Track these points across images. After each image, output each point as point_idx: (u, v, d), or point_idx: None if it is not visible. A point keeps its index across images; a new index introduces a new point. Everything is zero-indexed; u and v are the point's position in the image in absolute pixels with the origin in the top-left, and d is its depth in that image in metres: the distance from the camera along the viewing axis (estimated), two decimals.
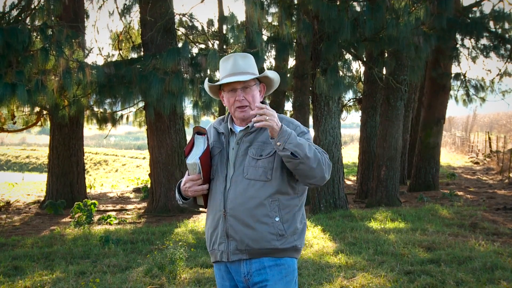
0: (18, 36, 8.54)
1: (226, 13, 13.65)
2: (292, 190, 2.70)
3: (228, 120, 2.82)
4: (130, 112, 14.01)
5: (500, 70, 16.16)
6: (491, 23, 13.92)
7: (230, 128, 2.78)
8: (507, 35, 14.01)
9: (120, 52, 14.34)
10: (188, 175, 2.71)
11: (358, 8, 11.12)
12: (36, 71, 9.07)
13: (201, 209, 11.68)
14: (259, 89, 2.78)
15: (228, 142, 2.76)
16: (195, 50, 12.50)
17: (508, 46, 14.08)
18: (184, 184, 2.71)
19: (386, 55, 11.94)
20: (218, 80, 2.79)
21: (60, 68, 9.01)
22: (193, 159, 2.67)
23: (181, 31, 13.67)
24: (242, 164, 2.68)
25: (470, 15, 14.24)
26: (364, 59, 13.11)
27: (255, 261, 2.66)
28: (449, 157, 28.83)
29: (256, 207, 2.63)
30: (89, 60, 15.33)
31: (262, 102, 2.79)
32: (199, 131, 2.75)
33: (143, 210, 11.74)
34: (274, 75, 2.80)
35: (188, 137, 11.92)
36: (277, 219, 2.64)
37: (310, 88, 12.01)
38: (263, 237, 2.63)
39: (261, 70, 8.12)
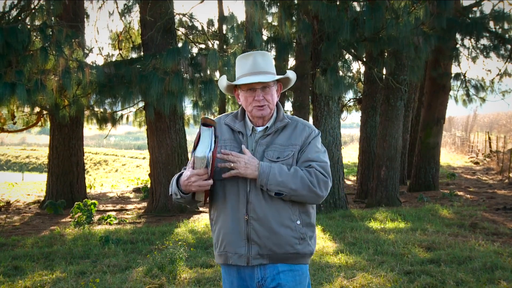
0: (17, 35, 8.54)
1: (226, 13, 13.66)
2: None
3: (244, 119, 2.75)
4: (130, 112, 14.01)
5: (500, 70, 16.19)
6: (491, 23, 13.93)
7: (253, 127, 2.71)
8: (507, 35, 14.02)
9: (120, 52, 14.34)
10: (193, 168, 2.56)
11: (357, 8, 11.13)
12: (36, 71, 9.07)
13: (201, 208, 11.43)
14: (277, 89, 2.74)
15: (247, 142, 2.70)
16: (195, 50, 12.50)
17: (508, 46, 14.09)
18: (188, 178, 2.55)
19: (386, 55, 11.94)
20: (235, 79, 2.74)
21: (59, 68, 9.01)
22: (203, 152, 2.51)
23: (181, 31, 13.68)
24: None
25: (470, 15, 14.24)
26: (364, 59, 13.11)
27: (270, 267, 2.63)
28: (449, 157, 28.84)
29: (280, 211, 2.60)
30: (89, 60, 15.34)
31: (277, 104, 2.76)
32: (205, 123, 2.56)
33: (143, 210, 11.74)
34: (293, 76, 2.78)
35: (188, 137, 11.92)
36: (298, 222, 2.63)
37: (310, 88, 12.01)
38: (287, 241, 2.60)
39: None
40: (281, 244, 2.60)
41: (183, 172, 2.66)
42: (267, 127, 2.70)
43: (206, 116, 2.67)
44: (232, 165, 2.51)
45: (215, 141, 2.54)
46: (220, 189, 2.66)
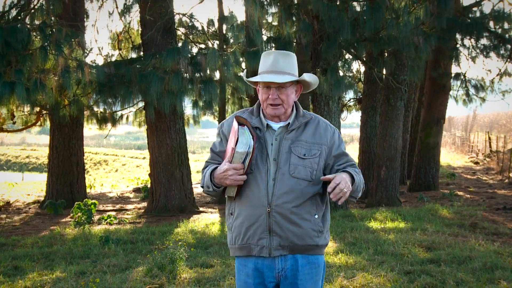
0: (17, 35, 8.53)
1: (226, 13, 13.63)
2: (324, 190, 2.78)
3: (260, 115, 2.81)
4: (130, 112, 13.99)
5: (500, 70, 16.16)
6: (491, 23, 13.92)
7: (267, 124, 2.78)
8: (507, 35, 14.00)
9: (120, 52, 14.33)
10: (231, 163, 2.65)
11: (358, 8, 11.11)
12: (35, 70, 9.06)
13: (206, 208, 11.44)
14: (295, 89, 2.80)
15: (265, 137, 2.76)
16: (195, 50, 12.49)
17: (508, 46, 14.07)
18: (225, 171, 2.64)
19: (386, 55, 11.93)
20: (256, 73, 2.84)
21: (59, 67, 9.00)
22: (244, 148, 2.62)
23: (181, 31, 13.66)
24: (287, 161, 2.70)
25: (470, 15, 14.23)
26: (364, 59, 13.11)
27: (290, 258, 2.73)
28: (449, 157, 28.82)
29: (301, 205, 2.70)
30: (89, 60, 15.32)
31: (295, 103, 2.82)
32: (240, 122, 2.70)
33: (143, 210, 11.73)
34: (311, 79, 2.82)
35: (188, 137, 11.91)
36: (316, 216, 2.74)
37: None
38: (307, 233, 2.72)
39: None
40: (302, 236, 2.71)
41: (217, 166, 2.75)
42: (289, 123, 2.76)
43: (238, 116, 2.79)
44: (345, 192, 2.57)
45: (253, 138, 2.65)
46: (244, 184, 2.73)
